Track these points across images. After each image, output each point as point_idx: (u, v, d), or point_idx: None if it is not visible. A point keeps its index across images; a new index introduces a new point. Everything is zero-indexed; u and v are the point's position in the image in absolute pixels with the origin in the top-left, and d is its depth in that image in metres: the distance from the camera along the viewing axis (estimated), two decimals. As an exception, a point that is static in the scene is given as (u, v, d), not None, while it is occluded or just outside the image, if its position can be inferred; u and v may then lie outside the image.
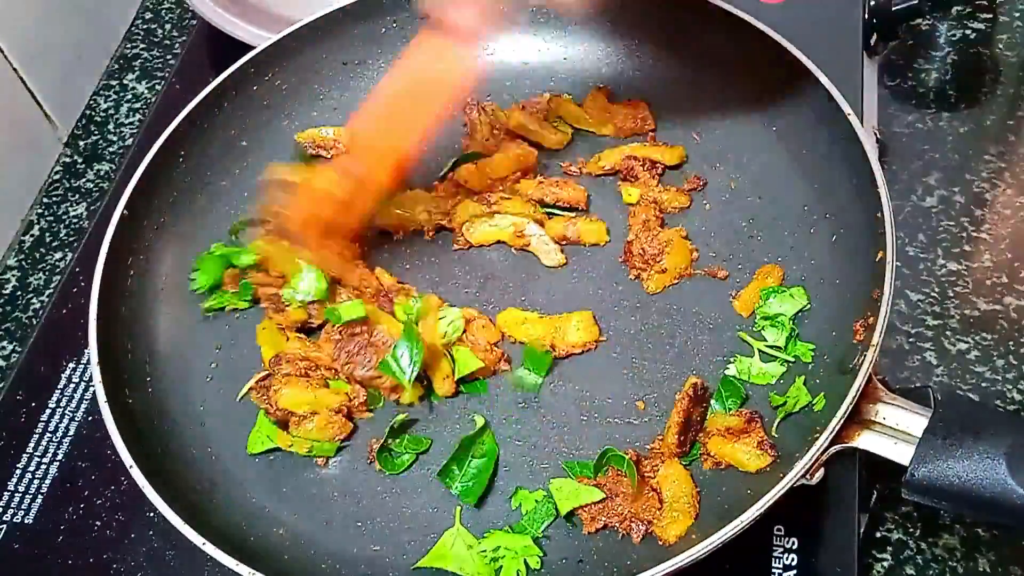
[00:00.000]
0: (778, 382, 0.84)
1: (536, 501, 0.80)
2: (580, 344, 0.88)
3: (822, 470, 0.74)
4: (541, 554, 0.77)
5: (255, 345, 0.92)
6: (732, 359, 0.86)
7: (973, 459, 0.69)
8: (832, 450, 0.73)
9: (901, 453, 0.72)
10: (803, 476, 0.72)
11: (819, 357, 0.83)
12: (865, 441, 0.73)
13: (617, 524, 0.78)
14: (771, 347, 0.85)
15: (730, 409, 0.82)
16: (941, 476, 0.70)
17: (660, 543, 0.76)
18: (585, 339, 0.88)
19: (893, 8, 1.13)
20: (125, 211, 0.92)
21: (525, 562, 0.77)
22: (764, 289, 0.88)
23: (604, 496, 0.78)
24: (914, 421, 0.73)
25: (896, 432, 0.73)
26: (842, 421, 0.72)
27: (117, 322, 0.89)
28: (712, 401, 0.83)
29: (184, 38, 1.34)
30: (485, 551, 0.78)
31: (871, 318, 0.77)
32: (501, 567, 0.77)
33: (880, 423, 0.74)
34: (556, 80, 1.07)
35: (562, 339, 0.88)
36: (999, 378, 0.94)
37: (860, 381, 0.72)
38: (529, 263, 0.95)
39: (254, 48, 1.02)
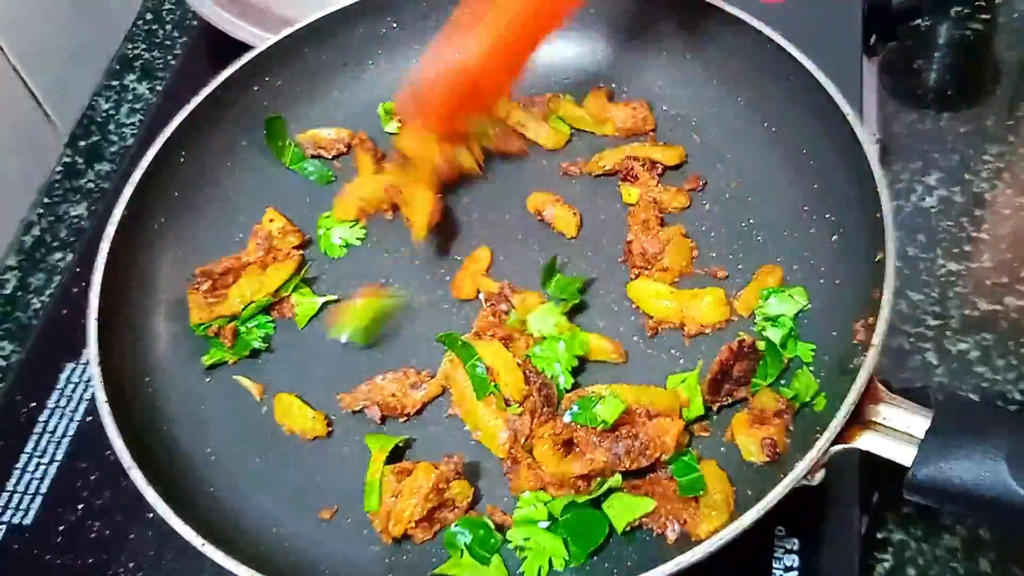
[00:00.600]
0: (777, 382, 0.84)
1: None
2: (712, 324, 0.86)
3: (823, 471, 0.74)
4: (567, 557, 0.76)
5: (255, 345, 0.92)
6: (733, 359, 0.86)
7: (974, 460, 0.69)
8: (833, 451, 0.73)
9: (902, 454, 0.72)
10: (804, 477, 0.72)
11: (819, 358, 0.83)
12: (866, 442, 0.73)
13: (653, 524, 0.77)
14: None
15: (771, 375, 0.81)
16: (942, 477, 0.70)
17: (692, 539, 0.75)
18: (717, 318, 0.86)
19: (892, 8, 1.13)
20: (125, 211, 0.92)
21: (550, 561, 0.76)
22: (764, 289, 0.88)
23: (656, 504, 0.77)
24: (915, 422, 0.73)
25: (897, 433, 0.73)
26: (843, 422, 0.72)
27: (117, 322, 0.89)
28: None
29: (184, 38, 1.34)
30: (512, 539, 0.77)
31: (871, 319, 0.77)
32: (526, 558, 0.76)
33: (881, 424, 0.74)
34: (556, 80, 1.06)
35: (692, 317, 0.87)
36: (999, 378, 0.94)
37: (861, 382, 0.72)
38: (530, 264, 0.94)
39: (254, 48, 1.02)
